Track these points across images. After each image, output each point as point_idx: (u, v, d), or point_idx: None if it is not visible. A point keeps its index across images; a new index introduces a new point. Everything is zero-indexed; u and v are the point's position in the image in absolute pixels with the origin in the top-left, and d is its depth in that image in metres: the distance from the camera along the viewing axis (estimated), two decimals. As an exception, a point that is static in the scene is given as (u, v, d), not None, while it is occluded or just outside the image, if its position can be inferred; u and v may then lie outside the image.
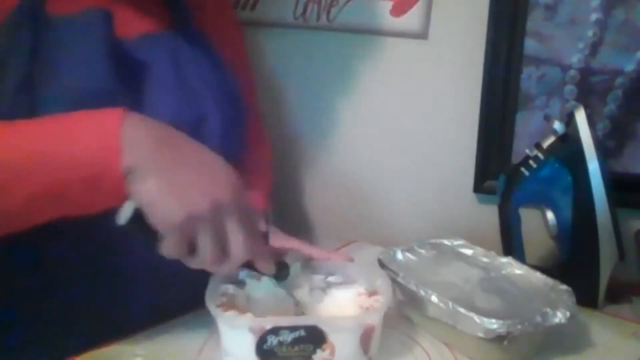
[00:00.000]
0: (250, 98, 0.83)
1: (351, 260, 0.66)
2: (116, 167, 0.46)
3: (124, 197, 0.47)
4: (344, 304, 0.58)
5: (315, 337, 0.50)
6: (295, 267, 0.57)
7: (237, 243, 0.48)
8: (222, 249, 0.49)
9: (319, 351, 0.51)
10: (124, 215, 0.46)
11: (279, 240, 0.67)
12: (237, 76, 0.74)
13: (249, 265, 0.52)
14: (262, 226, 0.58)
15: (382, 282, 0.59)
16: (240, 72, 0.77)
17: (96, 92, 0.56)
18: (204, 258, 0.48)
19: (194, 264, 0.49)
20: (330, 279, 0.61)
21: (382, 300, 0.55)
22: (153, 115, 0.58)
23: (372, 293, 0.58)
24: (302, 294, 0.58)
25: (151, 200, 0.46)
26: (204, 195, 0.47)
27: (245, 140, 0.75)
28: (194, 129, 0.62)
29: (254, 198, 0.75)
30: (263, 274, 0.55)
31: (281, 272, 0.56)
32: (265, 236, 0.58)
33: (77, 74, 0.56)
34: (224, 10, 0.83)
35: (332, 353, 0.51)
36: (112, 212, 0.48)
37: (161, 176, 0.47)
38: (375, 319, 0.53)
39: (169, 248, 0.48)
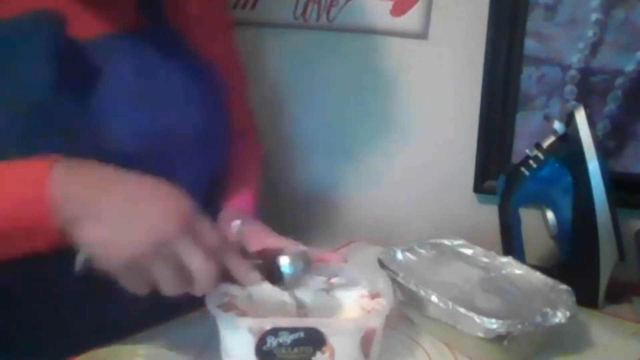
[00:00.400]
0: (239, 97, 0.80)
1: (345, 261, 0.65)
2: (51, 221, 0.46)
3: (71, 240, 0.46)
4: (346, 306, 0.58)
5: (315, 339, 0.50)
6: (297, 266, 0.56)
7: (197, 267, 0.47)
8: (184, 276, 0.48)
9: (318, 353, 0.51)
10: (79, 260, 0.47)
11: (272, 240, 0.65)
12: (223, 75, 0.71)
13: (232, 279, 0.52)
14: (232, 237, 0.57)
15: (384, 284, 0.59)
16: (228, 70, 0.74)
17: (39, 105, 0.52)
18: (167, 289, 0.48)
19: (165, 292, 0.48)
20: (333, 280, 0.61)
21: (384, 304, 0.55)
22: (106, 127, 0.56)
23: (374, 295, 0.58)
24: (304, 295, 0.58)
25: (91, 246, 0.46)
26: (144, 233, 0.46)
27: (229, 148, 0.73)
28: (159, 143, 0.60)
29: (240, 200, 0.73)
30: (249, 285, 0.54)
31: (273, 276, 0.55)
32: (239, 246, 0.56)
33: (17, 85, 0.52)
34: (210, 5, 0.77)
35: (332, 356, 0.51)
36: None
37: (97, 224, 0.46)
38: (376, 323, 0.53)
39: (127, 285, 0.47)
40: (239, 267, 0.52)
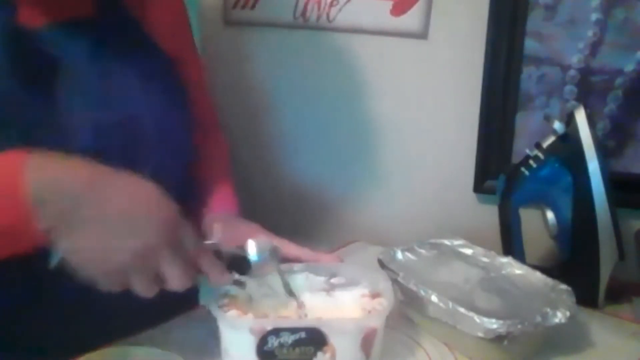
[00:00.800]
0: (200, 91, 0.78)
1: (341, 260, 0.65)
2: (32, 227, 0.44)
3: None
4: (347, 306, 0.58)
5: (316, 339, 0.50)
6: (263, 254, 0.55)
7: (173, 277, 0.47)
8: (159, 282, 0.48)
9: (319, 354, 0.51)
10: (54, 257, 0.46)
11: (258, 233, 0.63)
12: (182, 69, 0.69)
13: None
14: (210, 239, 0.56)
15: (384, 284, 0.59)
16: (187, 64, 0.72)
17: None
18: (141, 293, 0.47)
19: (139, 294, 0.48)
20: (334, 280, 0.61)
21: (384, 304, 0.55)
22: (67, 119, 0.54)
23: (375, 295, 0.58)
24: (305, 295, 0.58)
25: (70, 257, 0.45)
26: (127, 244, 0.45)
27: (194, 137, 0.71)
28: (122, 133, 0.59)
29: (221, 202, 0.73)
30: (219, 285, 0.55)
31: (241, 266, 0.55)
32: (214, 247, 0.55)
33: None
34: None
35: (333, 356, 0.51)
36: None
37: (76, 233, 0.45)
38: (377, 323, 0.53)
39: (104, 288, 0.47)
40: (213, 269, 0.51)
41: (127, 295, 0.59)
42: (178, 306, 0.65)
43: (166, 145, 0.64)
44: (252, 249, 0.55)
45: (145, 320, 0.61)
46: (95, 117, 0.56)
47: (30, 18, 0.54)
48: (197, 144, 0.73)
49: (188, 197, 0.69)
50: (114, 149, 0.57)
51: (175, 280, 0.47)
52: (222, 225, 0.60)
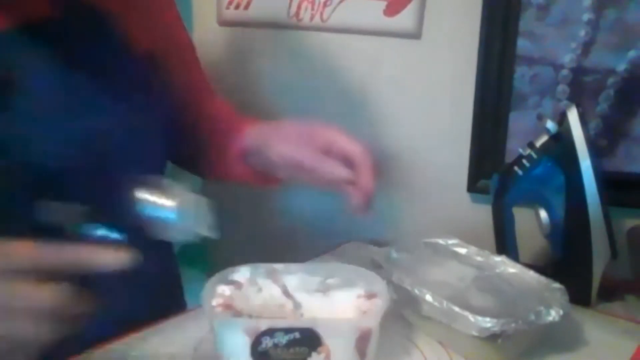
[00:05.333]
0: (192, 63, 0.77)
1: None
2: None
3: None
4: (343, 307, 0.58)
5: (310, 339, 0.50)
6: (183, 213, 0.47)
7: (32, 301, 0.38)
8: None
9: (314, 354, 0.51)
10: None
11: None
12: (171, 53, 0.66)
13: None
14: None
15: (380, 285, 0.59)
16: (176, 46, 0.70)
17: None
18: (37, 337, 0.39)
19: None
20: (329, 281, 0.61)
21: (379, 304, 0.55)
22: (28, 135, 0.49)
23: (371, 295, 0.58)
24: (301, 296, 0.58)
25: None
26: None
27: (176, 136, 0.69)
28: (90, 148, 0.54)
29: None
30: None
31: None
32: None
33: None
34: None
35: (328, 356, 0.51)
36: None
37: None
38: (372, 323, 0.53)
39: None
40: (93, 256, 0.41)
41: (118, 298, 0.58)
42: (165, 309, 0.65)
43: (140, 151, 0.61)
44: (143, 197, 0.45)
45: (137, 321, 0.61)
46: (54, 134, 0.52)
47: None
48: (199, 118, 0.73)
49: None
50: (86, 162, 0.54)
51: (39, 301, 0.38)
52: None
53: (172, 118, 0.68)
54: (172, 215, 0.46)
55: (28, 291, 0.38)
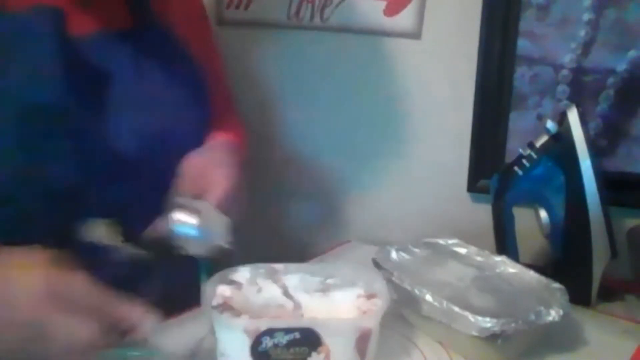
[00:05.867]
0: (220, 87, 0.80)
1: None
2: None
3: None
4: (342, 307, 0.58)
5: (310, 339, 0.50)
6: (189, 224, 0.50)
7: (79, 341, 0.42)
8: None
9: (314, 354, 0.51)
10: None
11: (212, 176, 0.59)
12: (206, 66, 0.71)
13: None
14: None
15: (380, 285, 0.59)
16: (210, 61, 0.75)
17: (46, 107, 0.51)
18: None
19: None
20: (329, 281, 0.61)
21: (379, 304, 0.55)
22: (113, 131, 0.56)
23: (371, 295, 0.58)
24: (301, 296, 0.58)
25: None
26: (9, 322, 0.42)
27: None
28: (154, 146, 0.60)
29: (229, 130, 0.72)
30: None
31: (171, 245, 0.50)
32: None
33: (21, 82, 0.51)
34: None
35: (328, 356, 0.51)
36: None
37: None
38: (371, 323, 0.53)
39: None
40: (131, 316, 0.45)
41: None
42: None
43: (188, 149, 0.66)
44: (177, 219, 0.49)
45: None
46: (134, 132, 0.58)
47: (79, 26, 0.56)
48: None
49: None
50: (153, 156, 0.60)
51: (85, 345, 0.42)
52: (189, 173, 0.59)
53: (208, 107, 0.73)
54: (196, 232, 0.50)
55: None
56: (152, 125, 0.61)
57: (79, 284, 0.43)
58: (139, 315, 0.45)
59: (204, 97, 0.70)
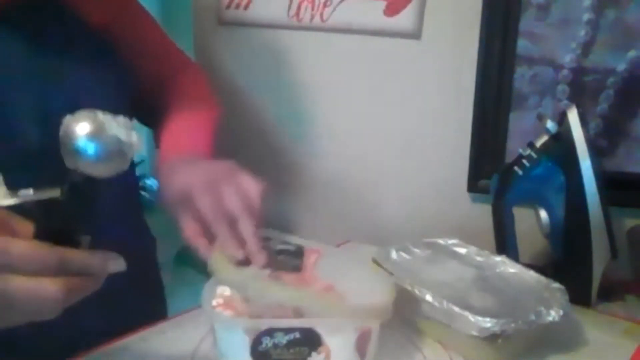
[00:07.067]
0: (153, 40, 0.76)
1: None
2: None
3: None
4: (342, 306, 0.57)
5: (310, 339, 0.50)
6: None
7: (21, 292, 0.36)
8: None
9: (314, 354, 0.51)
10: None
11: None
12: (127, 30, 0.67)
13: None
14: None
15: (380, 284, 0.59)
16: (130, 21, 0.71)
17: None
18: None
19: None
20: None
21: (380, 304, 0.55)
22: (13, 114, 0.52)
23: (371, 295, 0.58)
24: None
25: None
26: None
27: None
28: (50, 125, 0.55)
29: (190, 140, 0.68)
30: None
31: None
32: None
33: None
34: None
35: (328, 356, 0.51)
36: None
37: None
38: (372, 323, 0.53)
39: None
40: (92, 261, 0.40)
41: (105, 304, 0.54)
42: (144, 317, 0.64)
43: None
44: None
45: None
46: (35, 113, 0.55)
47: None
48: (169, 87, 0.72)
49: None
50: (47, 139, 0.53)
51: (48, 294, 0.37)
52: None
53: (130, 87, 0.68)
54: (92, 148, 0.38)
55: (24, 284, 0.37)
56: (54, 114, 0.52)
57: (22, 243, 0.38)
58: (100, 258, 0.41)
59: (115, 77, 0.64)
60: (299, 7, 0.99)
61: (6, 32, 0.55)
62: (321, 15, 0.99)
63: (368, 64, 0.99)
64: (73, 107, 0.51)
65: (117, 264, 0.41)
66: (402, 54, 0.97)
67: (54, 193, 0.37)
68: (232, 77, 1.09)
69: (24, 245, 0.38)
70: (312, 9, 0.99)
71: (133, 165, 0.71)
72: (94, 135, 0.37)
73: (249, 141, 1.10)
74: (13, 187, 0.38)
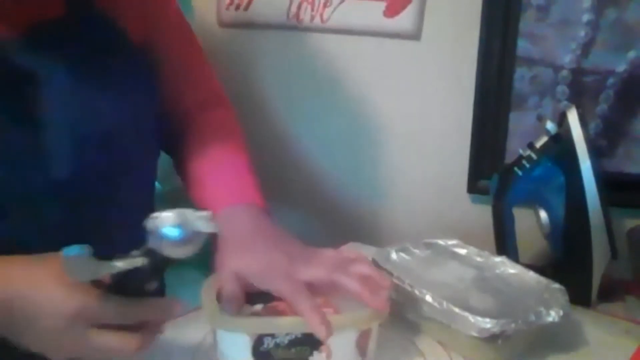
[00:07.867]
0: (198, 64, 0.75)
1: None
2: None
3: None
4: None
5: (311, 339, 0.50)
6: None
7: (111, 348, 0.45)
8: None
9: (315, 353, 0.51)
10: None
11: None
12: (170, 52, 0.67)
13: None
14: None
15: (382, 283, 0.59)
16: (178, 45, 0.70)
17: None
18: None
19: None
20: None
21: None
22: (50, 137, 0.52)
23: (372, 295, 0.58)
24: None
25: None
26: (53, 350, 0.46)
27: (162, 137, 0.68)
28: (98, 147, 0.56)
29: (239, 190, 0.65)
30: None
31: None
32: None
33: None
34: None
35: (329, 356, 0.51)
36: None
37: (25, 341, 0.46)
38: (372, 323, 0.53)
39: None
40: (159, 311, 0.48)
41: None
42: None
43: (139, 153, 0.63)
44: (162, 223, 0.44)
45: None
46: (71, 135, 0.54)
47: (4, 29, 0.51)
48: (199, 122, 0.71)
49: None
50: (97, 165, 0.56)
51: (119, 348, 0.45)
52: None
53: (165, 108, 0.68)
54: (178, 232, 0.45)
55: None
56: (95, 132, 0.56)
57: (103, 301, 0.45)
58: (166, 306, 0.48)
59: (152, 96, 0.64)
60: (298, 8, 0.99)
61: (49, 46, 0.54)
62: (321, 16, 0.99)
63: (367, 64, 0.99)
64: (103, 129, 0.56)
65: (184, 308, 0.49)
66: (402, 55, 0.97)
67: (138, 262, 0.44)
68: (231, 78, 1.09)
69: (106, 301, 0.44)
70: (312, 9, 0.99)
71: (155, 168, 0.70)
72: (178, 224, 0.44)
73: (249, 141, 1.10)
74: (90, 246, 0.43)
